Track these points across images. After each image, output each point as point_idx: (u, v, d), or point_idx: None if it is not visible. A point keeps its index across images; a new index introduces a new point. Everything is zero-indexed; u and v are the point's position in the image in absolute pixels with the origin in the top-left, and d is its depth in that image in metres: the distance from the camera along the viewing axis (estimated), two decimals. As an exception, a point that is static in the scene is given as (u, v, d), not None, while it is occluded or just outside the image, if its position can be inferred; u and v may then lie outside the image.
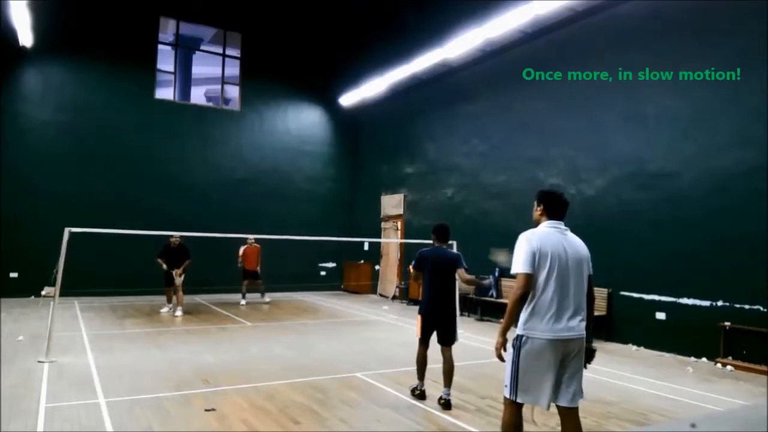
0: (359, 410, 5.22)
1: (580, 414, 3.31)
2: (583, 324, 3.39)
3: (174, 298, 11.10)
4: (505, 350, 3.39)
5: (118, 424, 4.59)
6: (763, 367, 7.05)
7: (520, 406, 3.38)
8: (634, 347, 8.72)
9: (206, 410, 5.00)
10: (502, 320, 3.40)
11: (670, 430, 1.50)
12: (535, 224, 3.57)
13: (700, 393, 6.12)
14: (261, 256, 13.13)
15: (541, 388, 3.27)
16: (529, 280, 3.29)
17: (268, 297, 13.39)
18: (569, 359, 3.33)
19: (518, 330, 3.38)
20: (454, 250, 10.57)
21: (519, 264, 3.33)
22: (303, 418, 4.91)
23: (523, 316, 3.35)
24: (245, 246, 13.04)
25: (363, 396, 5.67)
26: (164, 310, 11.24)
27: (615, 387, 6.28)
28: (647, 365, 7.52)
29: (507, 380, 3.38)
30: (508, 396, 3.38)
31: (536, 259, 3.30)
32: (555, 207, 3.52)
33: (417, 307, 5.80)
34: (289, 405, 5.26)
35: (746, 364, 7.27)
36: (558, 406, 3.41)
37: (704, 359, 7.80)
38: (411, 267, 5.67)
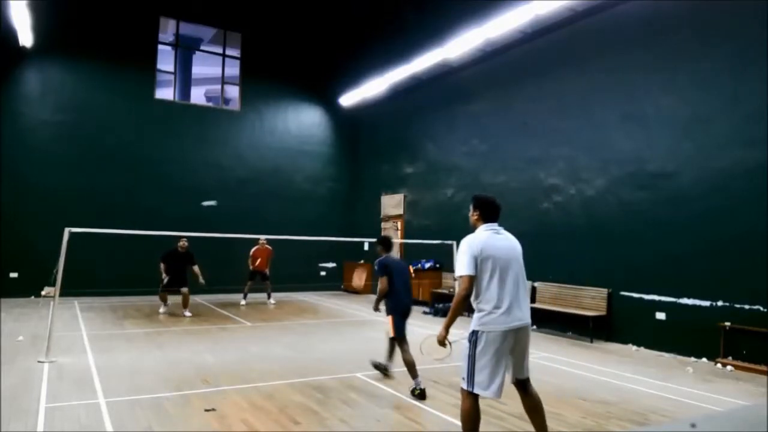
0: (359, 410, 5.22)
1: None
2: (528, 311, 3.72)
3: (181, 298, 11.05)
4: (447, 341, 3.74)
5: (118, 424, 4.59)
6: (763, 367, 7.05)
7: (477, 396, 3.63)
8: (634, 347, 8.72)
9: (206, 410, 5.00)
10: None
11: (670, 430, 1.50)
12: (473, 228, 3.86)
13: (700, 393, 6.11)
14: (270, 258, 13.16)
15: (495, 380, 3.57)
16: (472, 281, 3.61)
17: (273, 299, 13.39)
18: (518, 344, 3.68)
19: (473, 326, 3.63)
20: (454, 251, 10.56)
21: (463, 267, 3.62)
22: (303, 418, 4.91)
23: (477, 314, 3.64)
24: (256, 247, 13.05)
25: (363, 396, 5.67)
26: (162, 310, 11.22)
27: (615, 387, 6.27)
28: (647, 365, 7.52)
29: (464, 373, 3.64)
30: (465, 388, 3.64)
31: (478, 262, 3.61)
32: (490, 211, 3.86)
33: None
34: (289, 405, 5.26)
35: (746, 364, 7.27)
36: (513, 383, 3.78)
37: (704, 359, 7.80)
38: (381, 279, 5.87)
